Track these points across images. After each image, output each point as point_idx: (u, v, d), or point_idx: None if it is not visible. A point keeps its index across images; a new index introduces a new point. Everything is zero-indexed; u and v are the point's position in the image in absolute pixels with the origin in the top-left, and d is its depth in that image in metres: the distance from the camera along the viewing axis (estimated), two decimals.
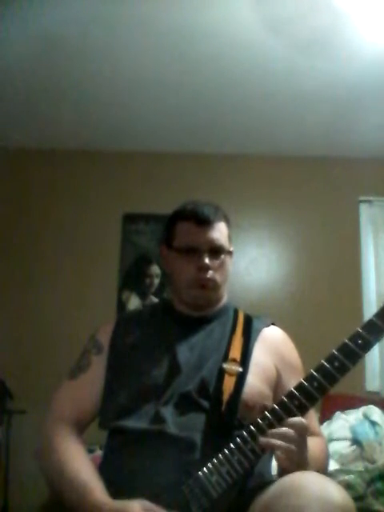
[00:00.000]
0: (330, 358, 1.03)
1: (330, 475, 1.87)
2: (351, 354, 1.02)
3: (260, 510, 0.93)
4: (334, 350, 1.03)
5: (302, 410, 1.01)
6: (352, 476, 2.01)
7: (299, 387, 1.02)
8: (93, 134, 3.31)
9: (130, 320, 1.34)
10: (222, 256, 1.27)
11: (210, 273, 1.24)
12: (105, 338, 1.28)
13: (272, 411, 1.01)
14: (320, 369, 1.02)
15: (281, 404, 1.02)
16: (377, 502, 1.97)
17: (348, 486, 1.95)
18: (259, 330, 1.27)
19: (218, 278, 1.26)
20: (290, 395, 1.02)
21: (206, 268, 1.23)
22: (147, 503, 0.94)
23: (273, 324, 1.34)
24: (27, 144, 3.39)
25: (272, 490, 0.94)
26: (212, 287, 1.26)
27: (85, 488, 1.01)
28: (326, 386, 1.02)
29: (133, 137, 3.33)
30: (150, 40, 2.42)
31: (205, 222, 1.26)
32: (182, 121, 3.12)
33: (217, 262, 1.26)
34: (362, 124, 3.03)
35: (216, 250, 1.26)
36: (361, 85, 2.69)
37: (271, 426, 0.99)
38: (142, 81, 2.74)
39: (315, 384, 1.01)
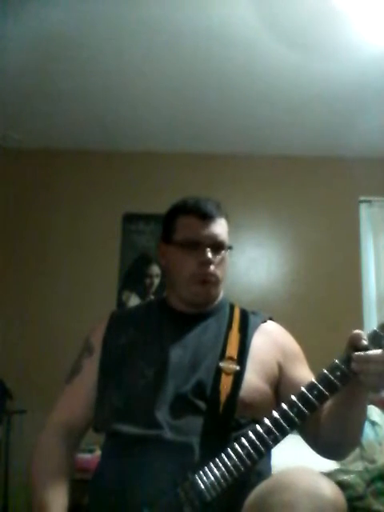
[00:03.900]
0: (333, 367, 1.02)
1: (330, 475, 1.87)
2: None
3: (252, 507, 0.93)
4: (335, 360, 1.03)
5: (302, 418, 1.00)
6: (352, 476, 2.01)
7: (299, 395, 1.02)
8: (93, 134, 3.31)
9: (123, 319, 1.31)
10: (223, 252, 1.26)
11: (212, 268, 1.22)
12: (97, 338, 1.27)
13: (271, 418, 1.01)
14: (322, 377, 1.02)
15: (280, 411, 1.01)
16: (377, 501, 1.96)
17: (348, 486, 1.95)
18: (256, 326, 1.26)
19: (218, 273, 1.24)
20: (290, 403, 1.01)
21: (209, 263, 1.21)
22: None
23: (270, 319, 1.32)
24: (27, 144, 3.39)
25: (263, 486, 0.94)
26: (213, 283, 1.24)
27: (45, 507, 1.04)
28: (326, 394, 1.01)
29: (133, 137, 3.33)
30: (150, 40, 2.41)
31: (207, 217, 1.24)
32: (181, 121, 3.12)
33: (218, 258, 1.24)
34: (362, 124, 3.02)
35: (218, 246, 1.25)
36: (361, 85, 2.69)
37: (269, 431, 0.99)
38: (141, 81, 2.74)
39: (315, 392, 1.01)
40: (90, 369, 1.23)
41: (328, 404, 1.10)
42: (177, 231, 1.26)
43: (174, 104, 2.95)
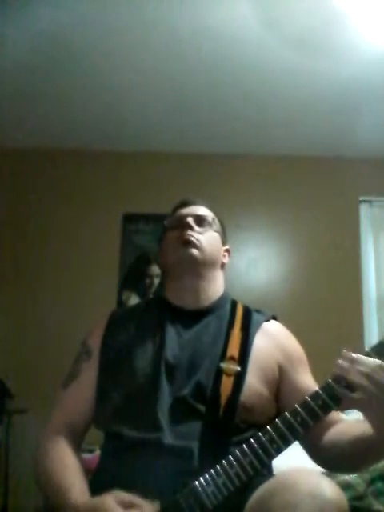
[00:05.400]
0: (337, 378, 1.01)
1: (330, 475, 1.86)
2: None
3: (254, 508, 0.92)
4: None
5: (305, 426, 0.99)
6: (352, 476, 2.01)
7: (303, 404, 1.00)
8: (93, 134, 3.31)
9: (122, 318, 1.30)
10: (207, 227, 1.31)
11: (192, 232, 1.27)
12: (95, 341, 1.25)
13: (274, 426, 0.99)
14: (326, 387, 1.01)
15: (283, 419, 1.00)
16: (377, 501, 1.96)
17: (348, 486, 1.95)
18: (259, 324, 1.23)
19: (202, 239, 1.28)
20: (294, 411, 1.00)
21: (188, 225, 1.28)
22: (120, 494, 0.94)
23: (273, 318, 1.30)
24: (27, 144, 3.39)
25: (265, 487, 0.93)
26: (195, 245, 1.26)
27: (65, 489, 1.02)
28: (330, 404, 1.00)
29: (132, 137, 3.33)
30: (150, 40, 2.42)
31: (190, 203, 1.36)
32: (181, 121, 3.12)
33: (201, 229, 1.30)
34: (361, 124, 3.03)
35: (199, 219, 1.32)
36: (361, 85, 2.69)
37: (272, 440, 0.98)
38: (141, 81, 2.74)
39: (319, 402, 0.99)
40: (89, 373, 1.21)
41: (347, 429, 1.10)
42: (168, 223, 1.35)
43: (174, 104, 2.95)
